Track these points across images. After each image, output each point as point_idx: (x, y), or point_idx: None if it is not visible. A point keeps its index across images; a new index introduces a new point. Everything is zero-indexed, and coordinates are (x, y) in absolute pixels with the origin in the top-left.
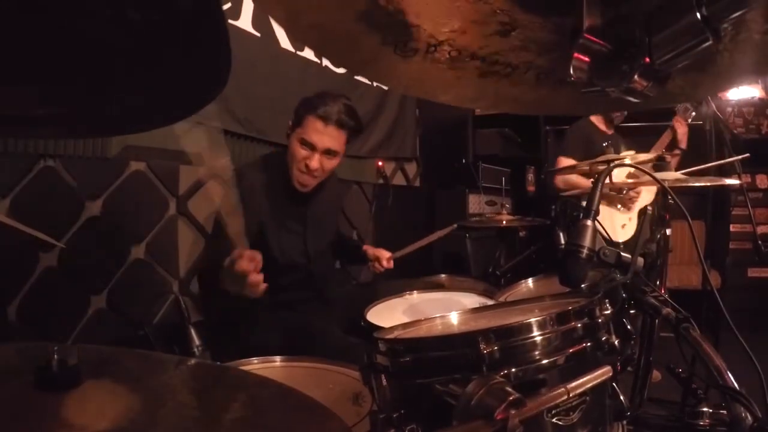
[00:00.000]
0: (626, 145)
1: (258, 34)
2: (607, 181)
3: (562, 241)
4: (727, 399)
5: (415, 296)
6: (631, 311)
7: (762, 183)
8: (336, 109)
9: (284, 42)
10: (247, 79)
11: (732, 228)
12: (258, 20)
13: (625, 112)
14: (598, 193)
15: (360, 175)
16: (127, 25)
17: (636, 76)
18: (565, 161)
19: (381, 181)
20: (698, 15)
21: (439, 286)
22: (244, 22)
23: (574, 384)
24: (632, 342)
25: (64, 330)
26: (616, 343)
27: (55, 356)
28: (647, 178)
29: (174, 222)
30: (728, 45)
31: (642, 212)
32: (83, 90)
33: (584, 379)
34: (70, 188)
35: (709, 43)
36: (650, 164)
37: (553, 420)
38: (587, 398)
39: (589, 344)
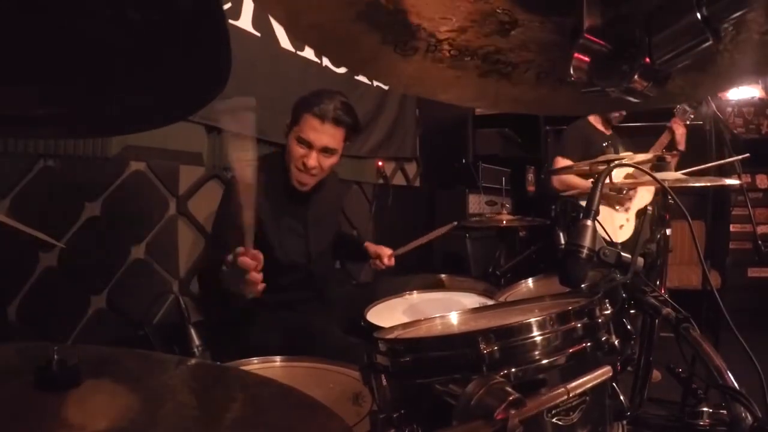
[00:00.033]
0: (624, 146)
1: (258, 34)
2: (607, 181)
3: (562, 241)
4: (727, 399)
5: (415, 296)
6: (631, 311)
7: (762, 183)
8: (332, 107)
9: (284, 42)
10: (247, 79)
11: (732, 228)
12: (258, 20)
13: (624, 112)
14: (598, 193)
15: (360, 175)
16: (127, 25)
17: (636, 76)
18: (563, 161)
19: (381, 181)
20: (698, 15)
21: (439, 286)
22: (244, 22)
23: (574, 384)
24: (632, 342)
25: (64, 330)
26: (616, 343)
27: (55, 356)
28: (646, 178)
29: (174, 222)
30: (728, 45)
31: (640, 213)
32: (83, 90)
33: (584, 379)
34: (70, 188)
35: (709, 43)
36: (650, 164)
37: (553, 420)
38: (587, 398)
39: (589, 344)
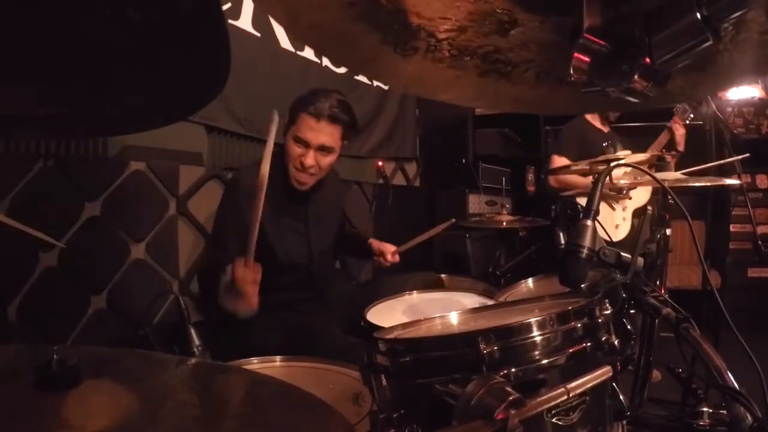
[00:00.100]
0: (623, 144)
1: (258, 34)
2: (607, 181)
3: (562, 241)
4: (727, 399)
5: (415, 296)
6: (631, 311)
7: (762, 183)
8: (328, 105)
9: (284, 42)
10: (247, 79)
11: (732, 228)
12: (258, 20)
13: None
14: (598, 193)
15: (360, 175)
16: (127, 25)
17: (636, 76)
18: (559, 160)
19: (381, 181)
20: (698, 15)
21: (439, 286)
22: (244, 22)
23: (574, 384)
24: (632, 342)
25: (64, 330)
26: (616, 343)
27: (55, 356)
28: (646, 177)
29: (174, 222)
30: (728, 45)
31: (637, 212)
32: (83, 90)
33: (584, 379)
34: (70, 188)
35: (709, 43)
36: (650, 164)
37: (553, 420)
38: (587, 398)
39: (589, 344)
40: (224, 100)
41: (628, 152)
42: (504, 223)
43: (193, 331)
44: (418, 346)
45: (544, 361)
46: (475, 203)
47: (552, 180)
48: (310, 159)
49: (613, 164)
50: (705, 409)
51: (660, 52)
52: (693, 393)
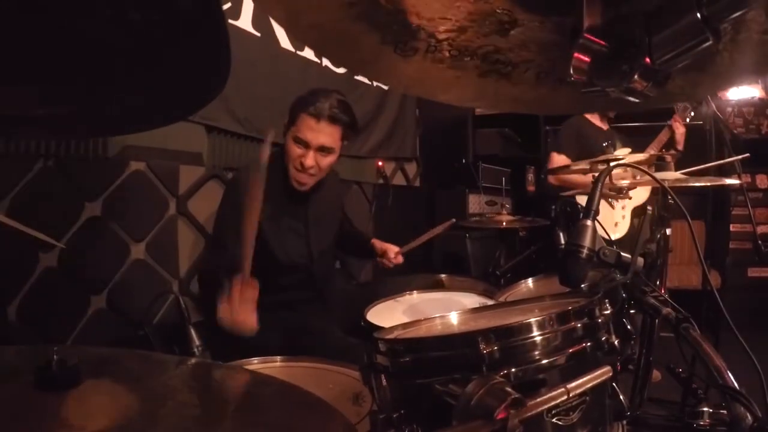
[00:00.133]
0: (622, 142)
1: (258, 34)
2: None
3: (562, 241)
4: (727, 399)
5: (415, 296)
6: (631, 311)
7: (762, 183)
8: (327, 105)
9: (284, 42)
10: (247, 79)
11: (732, 228)
12: (258, 20)
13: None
14: (598, 193)
15: (360, 175)
16: (127, 25)
17: (636, 76)
18: (558, 157)
19: (381, 181)
20: (698, 15)
21: (439, 286)
22: (244, 22)
23: (574, 384)
24: (632, 342)
25: (64, 330)
26: (616, 343)
27: (55, 356)
28: (645, 177)
29: (174, 222)
30: (728, 45)
31: (636, 210)
32: (83, 90)
33: (584, 379)
34: (70, 188)
35: (709, 43)
36: (650, 164)
37: (553, 420)
38: (587, 398)
39: (589, 344)
40: (224, 100)
41: (628, 150)
42: (504, 223)
43: (193, 331)
44: (418, 346)
45: (544, 361)
46: (475, 203)
47: (552, 178)
48: (310, 160)
49: (613, 164)
50: (705, 409)
51: (660, 52)
52: (693, 393)
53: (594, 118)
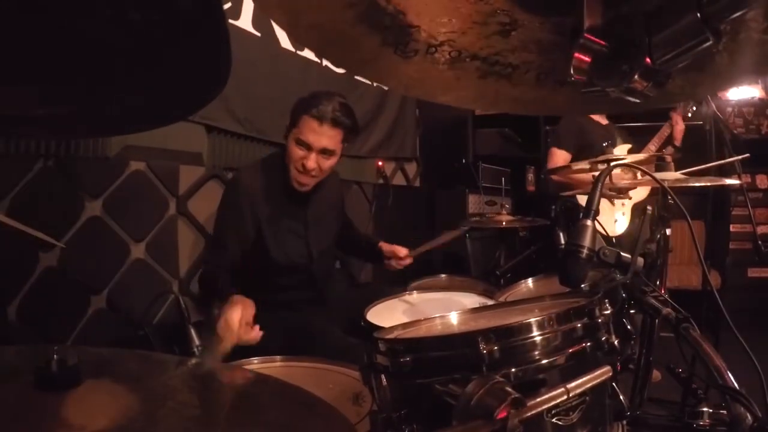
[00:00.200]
0: (622, 137)
1: (258, 34)
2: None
3: (562, 241)
4: (727, 399)
5: (415, 296)
6: (631, 311)
7: (762, 183)
8: (330, 108)
9: (284, 42)
10: (247, 79)
11: (732, 228)
12: (258, 20)
13: None
14: (598, 193)
15: (360, 175)
16: (127, 25)
17: (636, 76)
18: (558, 153)
19: (381, 181)
20: (698, 15)
21: (439, 286)
22: (244, 22)
23: (574, 384)
24: (632, 342)
25: (64, 330)
26: (616, 343)
27: (55, 357)
28: (645, 177)
29: (174, 222)
30: (728, 45)
31: (636, 208)
32: (83, 90)
33: (584, 379)
34: (70, 188)
35: (709, 43)
36: (650, 164)
37: (553, 420)
38: (587, 398)
39: (589, 344)
40: (224, 100)
41: (628, 147)
42: (504, 223)
43: (193, 331)
44: (418, 346)
45: (544, 361)
46: (475, 203)
47: (551, 177)
48: (312, 162)
49: (613, 164)
50: (705, 409)
51: (660, 52)
52: (693, 393)
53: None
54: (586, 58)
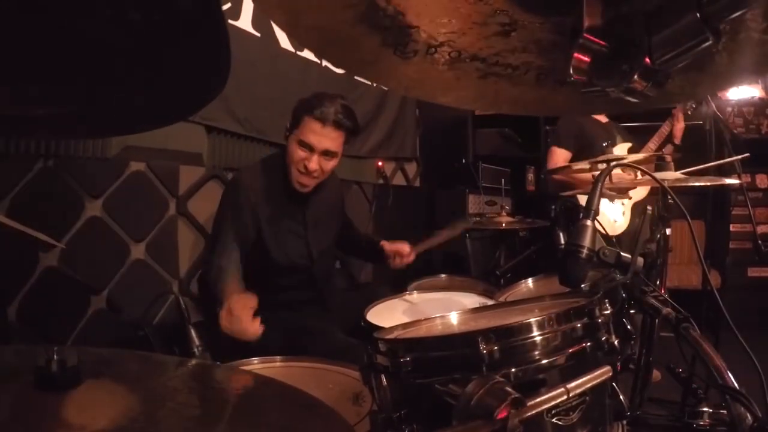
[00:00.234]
0: (622, 135)
1: (258, 34)
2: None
3: (562, 241)
4: (727, 399)
5: (415, 296)
6: (631, 311)
7: (762, 183)
8: (333, 110)
9: (284, 42)
10: (247, 79)
11: (732, 228)
12: (258, 20)
13: None
14: (598, 193)
15: (360, 175)
16: (127, 25)
17: (636, 76)
18: (558, 151)
19: (381, 181)
20: (698, 15)
21: (439, 286)
22: (244, 22)
23: (574, 384)
24: (632, 342)
25: (64, 330)
26: (616, 343)
27: (55, 357)
28: (645, 177)
29: (174, 222)
30: (728, 45)
31: (636, 206)
32: (83, 90)
33: (584, 379)
34: (70, 188)
35: (709, 43)
36: (650, 163)
37: (553, 420)
38: (587, 398)
39: (589, 344)
40: (224, 100)
41: (628, 145)
42: (504, 224)
43: (193, 332)
44: (418, 346)
45: (544, 361)
46: (475, 203)
47: (551, 177)
48: (314, 163)
49: (613, 164)
50: (705, 409)
51: (660, 52)
52: (693, 393)
53: None
54: (586, 58)
